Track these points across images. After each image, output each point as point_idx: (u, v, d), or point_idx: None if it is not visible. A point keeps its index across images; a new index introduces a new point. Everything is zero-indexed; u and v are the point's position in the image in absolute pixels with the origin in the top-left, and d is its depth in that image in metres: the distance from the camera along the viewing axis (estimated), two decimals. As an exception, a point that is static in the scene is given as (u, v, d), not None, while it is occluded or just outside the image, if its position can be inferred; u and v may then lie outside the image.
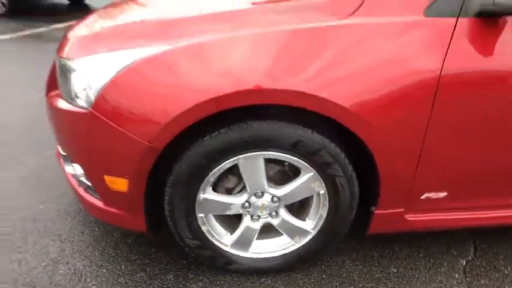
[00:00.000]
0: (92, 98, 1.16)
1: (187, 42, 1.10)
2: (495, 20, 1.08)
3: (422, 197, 1.31)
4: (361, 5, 1.09)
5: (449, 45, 1.07)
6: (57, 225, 1.68)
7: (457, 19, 1.07)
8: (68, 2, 6.96)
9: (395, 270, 1.48)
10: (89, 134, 1.21)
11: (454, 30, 1.07)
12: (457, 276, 1.46)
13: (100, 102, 1.15)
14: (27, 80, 3.48)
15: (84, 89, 1.19)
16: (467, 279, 1.45)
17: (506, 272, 1.49)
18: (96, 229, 1.66)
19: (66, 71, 1.24)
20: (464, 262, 1.53)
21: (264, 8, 1.19)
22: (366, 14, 1.08)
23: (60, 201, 1.82)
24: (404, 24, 1.07)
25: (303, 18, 1.10)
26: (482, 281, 1.44)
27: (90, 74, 1.17)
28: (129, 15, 1.37)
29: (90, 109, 1.17)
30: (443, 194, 1.31)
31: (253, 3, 1.22)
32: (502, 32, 1.08)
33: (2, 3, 5.85)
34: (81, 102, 1.20)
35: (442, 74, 1.07)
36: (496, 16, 1.06)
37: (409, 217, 1.36)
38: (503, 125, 1.18)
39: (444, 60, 1.07)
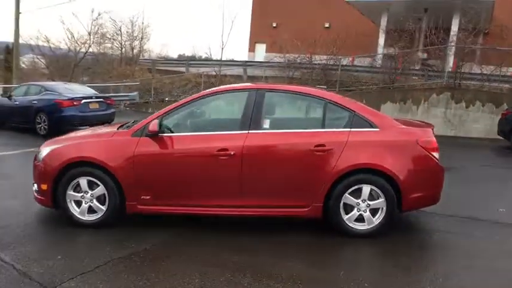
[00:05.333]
0: (41, 158, 3.84)
1: (69, 143, 3.82)
2: (152, 136, 3.68)
3: (141, 197, 3.72)
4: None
5: (137, 144, 3.66)
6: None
7: (140, 138, 3.68)
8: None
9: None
10: (39, 170, 3.85)
11: (139, 140, 3.67)
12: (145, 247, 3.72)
13: (43, 160, 3.82)
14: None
15: (42, 157, 3.88)
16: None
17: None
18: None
19: (39, 152, 3.97)
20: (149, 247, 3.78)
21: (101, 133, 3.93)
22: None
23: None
24: (125, 139, 3.71)
25: (113, 138, 3.81)
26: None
27: (42, 152, 3.88)
28: (68, 137, 4.15)
29: (41, 162, 3.83)
30: (148, 197, 3.72)
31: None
32: (160, 139, 3.67)
33: (45, 128, 9.24)
34: (39, 160, 3.87)
35: (135, 154, 3.65)
36: (151, 136, 3.67)
37: (140, 207, 3.75)
38: (181, 168, 3.65)
39: (135, 149, 3.65)
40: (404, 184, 3.61)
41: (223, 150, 3.60)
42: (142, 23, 23.42)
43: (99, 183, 3.72)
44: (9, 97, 9.97)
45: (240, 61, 17.42)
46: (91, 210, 3.81)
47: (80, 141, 3.91)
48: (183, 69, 18.34)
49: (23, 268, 3.00)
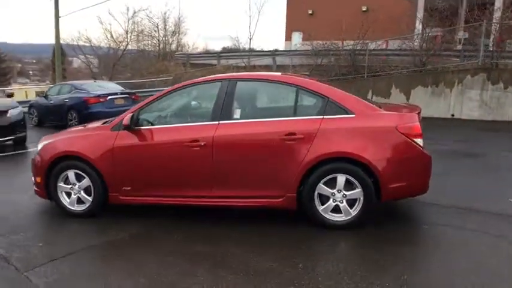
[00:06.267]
0: (36, 153, 4.13)
1: (58, 138, 4.06)
2: (127, 130, 3.80)
3: (123, 188, 3.87)
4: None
5: (116, 138, 3.81)
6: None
7: (119, 131, 3.82)
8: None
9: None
10: (35, 164, 4.14)
11: (117, 134, 3.81)
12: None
13: (37, 154, 4.12)
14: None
15: (38, 151, 4.17)
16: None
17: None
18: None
19: (37, 145, 4.28)
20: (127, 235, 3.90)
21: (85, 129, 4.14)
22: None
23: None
24: (106, 133, 3.87)
25: (95, 132, 4.01)
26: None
27: (39, 146, 4.17)
28: (61, 132, 4.41)
29: (36, 157, 4.12)
30: (129, 188, 3.86)
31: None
32: (136, 132, 3.79)
33: (75, 124, 9.84)
34: (35, 154, 4.16)
35: (114, 147, 3.79)
36: (127, 129, 3.79)
37: (122, 198, 3.91)
38: (158, 158, 3.74)
39: (114, 142, 3.80)
40: (383, 173, 3.42)
41: (195, 142, 3.63)
42: (179, 18, 24.05)
43: (84, 175, 3.93)
44: (46, 97, 10.77)
45: (269, 51, 17.31)
46: (80, 201, 4.04)
47: (68, 136, 4.14)
48: (215, 61, 18.61)
49: (6, 253, 3.27)
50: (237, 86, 3.74)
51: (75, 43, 21.37)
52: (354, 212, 3.53)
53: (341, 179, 3.48)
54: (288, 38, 27.50)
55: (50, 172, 4.01)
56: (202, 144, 3.61)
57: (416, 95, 11.11)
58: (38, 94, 11.87)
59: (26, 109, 10.77)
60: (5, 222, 3.99)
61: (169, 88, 3.97)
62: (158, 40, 23.43)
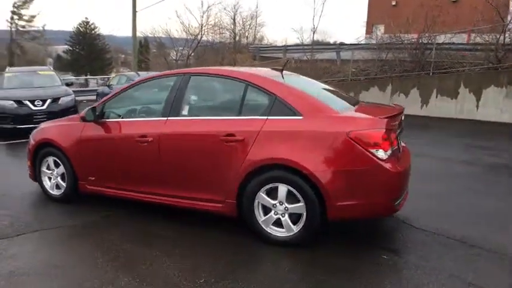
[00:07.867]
0: (31, 136, 4.53)
1: (44, 126, 4.40)
2: (89, 122, 3.92)
3: (89, 178, 4.03)
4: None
5: (83, 129, 3.97)
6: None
7: (85, 123, 3.96)
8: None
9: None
10: (29, 150, 4.54)
11: (84, 125, 3.97)
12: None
13: (30, 140, 4.50)
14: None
15: (31, 136, 4.57)
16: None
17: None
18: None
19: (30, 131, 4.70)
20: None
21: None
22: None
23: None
24: (76, 124, 4.05)
25: (69, 122, 4.26)
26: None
27: (33, 132, 4.56)
28: (51, 121, 4.78)
29: (30, 140, 4.51)
30: (93, 178, 4.00)
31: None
32: (101, 124, 3.89)
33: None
34: (31, 140, 4.57)
35: (80, 137, 3.97)
36: (84, 121, 3.93)
37: (88, 187, 4.07)
38: (114, 151, 3.85)
39: (81, 133, 3.96)
40: (327, 187, 2.98)
41: (143, 137, 3.60)
42: (256, 12, 24.29)
43: (60, 162, 4.19)
44: (109, 86, 11.83)
45: (334, 44, 16.46)
46: (57, 186, 4.32)
47: (52, 125, 4.45)
48: (281, 55, 18.38)
49: (-24, 228, 3.65)
50: (189, 82, 3.61)
51: (154, 35, 23.02)
52: (297, 228, 3.14)
53: (282, 189, 3.13)
54: (369, 31, 25.82)
55: (35, 157, 4.37)
56: (150, 140, 3.56)
57: (488, 96, 9.52)
58: (103, 84, 13.08)
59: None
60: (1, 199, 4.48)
61: (134, 81, 3.99)
62: (234, 32, 24.00)
